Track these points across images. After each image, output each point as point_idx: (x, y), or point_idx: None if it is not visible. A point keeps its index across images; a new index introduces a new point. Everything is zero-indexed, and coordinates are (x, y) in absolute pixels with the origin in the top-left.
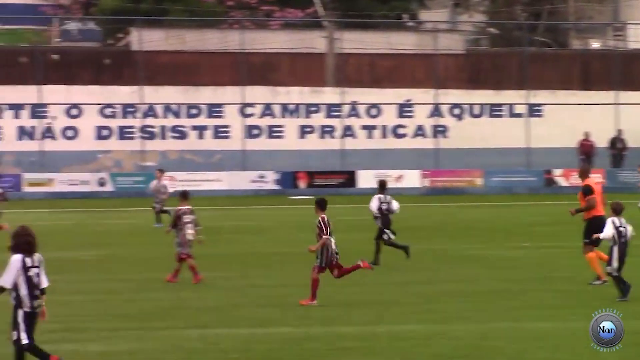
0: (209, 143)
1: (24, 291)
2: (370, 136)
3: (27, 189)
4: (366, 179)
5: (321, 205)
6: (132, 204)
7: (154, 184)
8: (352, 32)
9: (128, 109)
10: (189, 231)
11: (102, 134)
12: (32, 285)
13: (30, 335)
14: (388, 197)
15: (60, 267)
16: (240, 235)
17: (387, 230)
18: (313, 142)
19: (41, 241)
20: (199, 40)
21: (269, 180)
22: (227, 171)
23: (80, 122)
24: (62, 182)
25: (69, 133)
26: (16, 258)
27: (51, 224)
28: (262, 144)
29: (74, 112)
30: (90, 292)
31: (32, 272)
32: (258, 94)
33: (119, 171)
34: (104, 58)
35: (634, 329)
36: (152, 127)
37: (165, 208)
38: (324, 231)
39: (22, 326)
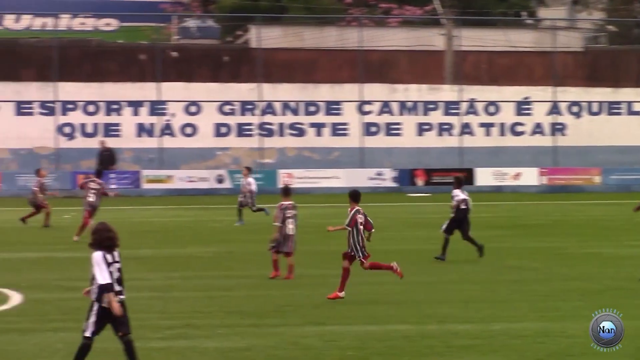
0: (327, 140)
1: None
2: (488, 134)
3: (146, 185)
4: (484, 176)
5: (353, 197)
6: None
7: (242, 182)
8: (470, 30)
9: (246, 106)
10: (290, 226)
11: (220, 131)
12: (112, 280)
13: (94, 330)
14: (466, 193)
15: (177, 263)
16: None
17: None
18: (431, 140)
19: (159, 238)
20: (318, 38)
21: (387, 178)
22: (344, 168)
23: (199, 120)
24: (180, 179)
25: (188, 130)
26: (98, 255)
27: (169, 221)
28: (380, 141)
29: (193, 109)
30: (207, 289)
31: (113, 267)
32: (376, 91)
33: (237, 168)
34: (222, 55)
35: None
36: (270, 124)
37: (259, 206)
38: (348, 221)
39: (92, 320)
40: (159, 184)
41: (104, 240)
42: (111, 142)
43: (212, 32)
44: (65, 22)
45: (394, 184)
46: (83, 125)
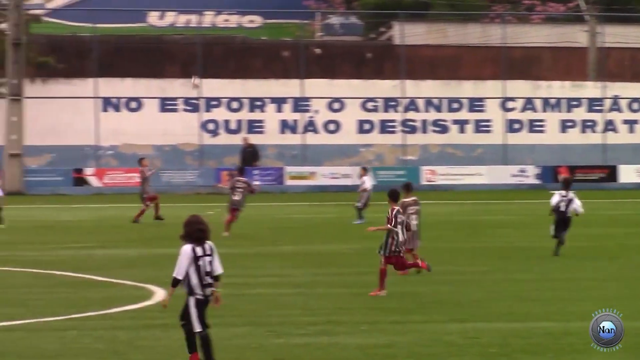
0: (470, 137)
1: (194, 280)
2: (631, 131)
3: (289, 182)
4: (627, 174)
5: (392, 196)
6: None
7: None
8: (613, 26)
9: (389, 103)
10: (413, 222)
11: (363, 127)
12: (201, 274)
13: (203, 323)
14: (570, 194)
15: (320, 260)
16: (500, 230)
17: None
18: (574, 137)
19: (302, 234)
20: (461, 34)
21: (530, 175)
22: (487, 165)
23: (342, 116)
24: (323, 175)
25: (331, 127)
26: (186, 248)
27: (312, 217)
28: (523, 138)
29: (336, 105)
30: (349, 286)
31: (203, 261)
32: (519, 88)
33: (380, 165)
34: (365, 52)
35: None
36: (413, 121)
37: (359, 205)
38: (390, 221)
39: (195, 315)
40: (302, 181)
41: (195, 232)
42: (254, 139)
43: (355, 29)
44: (209, 19)
45: (536, 181)
46: (227, 122)
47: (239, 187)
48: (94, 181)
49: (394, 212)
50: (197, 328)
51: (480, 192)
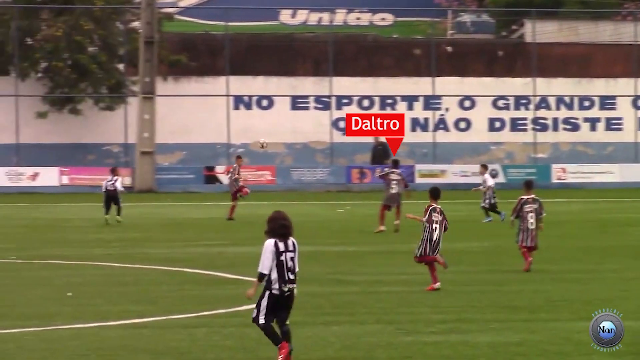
0: (601, 135)
1: (274, 275)
2: None
3: (420, 180)
4: None
5: (431, 193)
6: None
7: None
8: None
9: (520, 101)
10: (530, 220)
11: (494, 125)
12: (283, 269)
13: (268, 317)
14: None
15: (450, 258)
16: (631, 228)
17: None
18: None
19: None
20: (592, 32)
21: None
22: (619, 163)
23: (473, 114)
24: (453, 173)
25: (462, 125)
26: (269, 243)
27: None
28: None
29: (467, 103)
30: (479, 283)
31: (285, 256)
32: None
33: (511, 163)
34: (497, 50)
35: None
36: (544, 119)
37: (485, 205)
38: (425, 216)
39: (263, 306)
40: (432, 179)
41: (278, 228)
42: (374, 138)
43: (486, 27)
44: (340, 17)
45: None
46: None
47: (394, 179)
48: (224, 179)
49: (428, 210)
50: (261, 320)
51: (611, 190)
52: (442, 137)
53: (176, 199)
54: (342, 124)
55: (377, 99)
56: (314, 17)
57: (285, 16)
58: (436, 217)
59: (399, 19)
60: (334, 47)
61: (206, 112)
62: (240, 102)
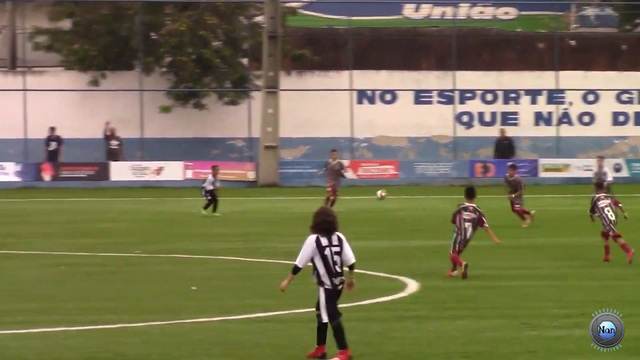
0: None
1: (321, 270)
2: None
3: (543, 174)
4: None
5: (466, 193)
6: None
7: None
8: None
9: None
10: (609, 213)
11: (618, 119)
12: (329, 263)
13: (331, 312)
14: None
15: (573, 252)
16: None
17: None
18: None
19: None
20: None
21: None
22: None
23: (597, 108)
24: (577, 167)
25: (585, 119)
26: (310, 238)
27: (564, 210)
28: None
29: (590, 97)
30: (602, 278)
31: (329, 251)
32: None
33: (635, 157)
34: (620, 43)
35: None
36: None
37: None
38: (454, 219)
39: (323, 304)
40: (555, 173)
41: (322, 224)
42: (508, 131)
43: (610, 21)
44: (464, 11)
45: None
46: (481, 114)
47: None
48: (348, 173)
49: (459, 208)
50: (324, 319)
51: None
52: (565, 131)
53: (299, 193)
54: (465, 118)
55: (500, 93)
56: (437, 11)
57: (408, 10)
58: (468, 215)
59: (523, 13)
60: (457, 41)
61: (329, 106)
62: (364, 96)
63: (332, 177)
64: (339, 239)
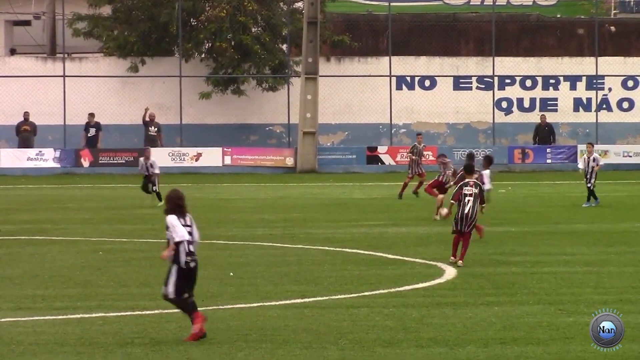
0: None
1: (180, 248)
2: None
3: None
4: None
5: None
6: None
7: None
8: None
9: None
10: None
11: None
12: (184, 243)
13: (177, 290)
14: None
15: (613, 238)
16: None
17: None
18: None
19: (593, 212)
20: None
21: None
22: None
23: (636, 94)
24: (616, 154)
25: (624, 105)
26: (172, 217)
27: (603, 195)
28: None
29: (630, 83)
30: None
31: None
32: None
33: None
34: None
35: None
36: None
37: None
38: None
39: (172, 280)
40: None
41: (177, 206)
42: (547, 117)
43: None
44: None
45: None
46: (520, 100)
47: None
48: (387, 159)
49: (459, 185)
50: (168, 293)
51: None
52: (604, 117)
53: (338, 180)
54: (504, 104)
55: (539, 79)
56: None
57: None
58: (469, 190)
59: None
60: (496, 27)
61: (368, 92)
62: (403, 82)
63: (418, 161)
64: (191, 220)
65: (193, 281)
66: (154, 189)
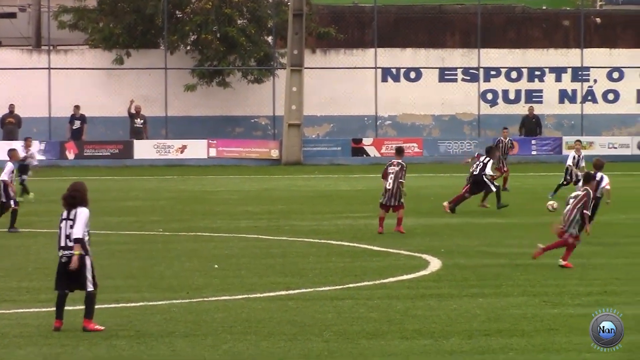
0: None
1: (58, 241)
2: None
3: (567, 152)
4: None
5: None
6: None
7: None
8: None
9: None
10: None
11: None
12: (60, 236)
13: (60, 284)
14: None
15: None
16: None
17: None
18: None
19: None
20: None
21: None
22: None
23: (621, 86)
24: (601, 145)
25: (610, 96)
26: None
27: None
28: None
29: (615, 75)
30: (627, 256)
31: (64, 224)
32: None
33: None
34: None
35: None
36: None
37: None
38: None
39: (57, 274)
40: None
41: (66, 197)
42: (533, 109)
43: None
44: None
45: None
46: (505, 92)
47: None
48: (372, 151)
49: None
50: (55, 287)
51: None
52: (590, 108)
53: (323, 172)
54: (490, 96)
55: (525, 71)
56: None
57: None
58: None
59: None
60: (482, 19)
61: (354, 84)
62: (388, 74)
63: (504, 155)
64: (75, 214)
65: (67, 277)
66: (23, 178)
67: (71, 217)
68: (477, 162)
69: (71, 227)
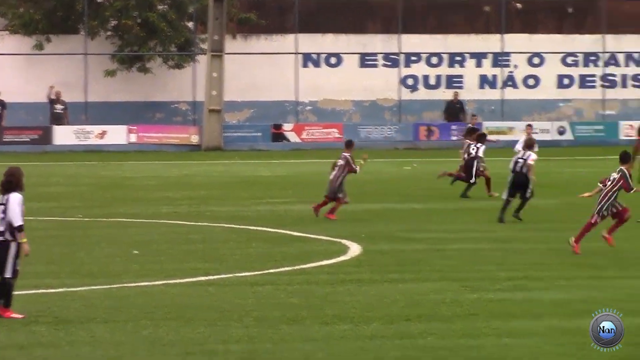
0: None
1: None
2: None
3: (488, 137)
4: None
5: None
6: (591, 152)
7: None
8: None
9: (590, 58)
10: None
11: (563, 82)
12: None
13: None
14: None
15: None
16: None
17: None
18: None
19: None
20: None
21: None
22: None
23: (541, 71)
24: (521, 130)
25: (530, 82)
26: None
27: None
28: None
29: (535, 60)
30: (548, 241)
31: None
32: None
33: (579, 120)
34: (567, 6)
35: None
36: (613, 75)
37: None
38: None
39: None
40: (500, 136)
41: (2, 183)
42: (452, 95)
43: None
44: None
45: None
46: (426, 77)
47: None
48: (292, 137)
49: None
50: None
51: None
52: (510, 94)
53: (243, 157)
54: (410, 82)
55: (445, 57)
56: None
57: None
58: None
59: None
60: (403, 4)
61: (275, 70)
62: (309, 59)
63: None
64: (7, 199)
65: None
66: None
67: (2, 202)
68: (473, 147)
69: (3, 212)
